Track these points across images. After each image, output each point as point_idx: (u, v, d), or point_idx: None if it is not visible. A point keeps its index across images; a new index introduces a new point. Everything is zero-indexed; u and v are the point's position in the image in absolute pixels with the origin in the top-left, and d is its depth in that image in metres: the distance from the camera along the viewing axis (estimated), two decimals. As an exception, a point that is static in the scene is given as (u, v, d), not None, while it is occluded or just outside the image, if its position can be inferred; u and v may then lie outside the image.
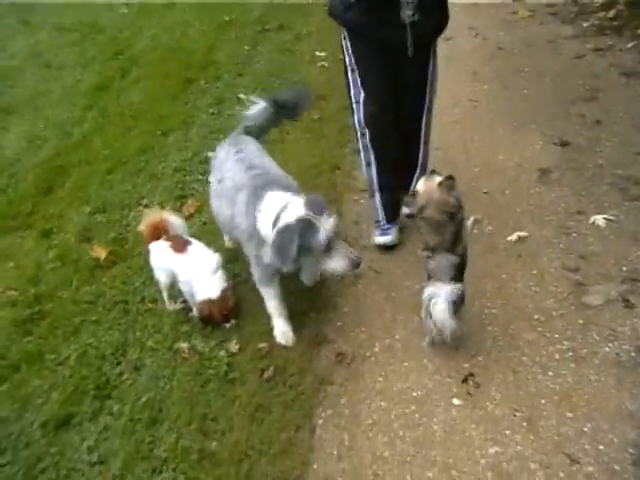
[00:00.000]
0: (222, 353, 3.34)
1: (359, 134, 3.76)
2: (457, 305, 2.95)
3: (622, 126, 4.83)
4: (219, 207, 3.50)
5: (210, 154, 5.11)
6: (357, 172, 4.65)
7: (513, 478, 2.56)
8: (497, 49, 6.59)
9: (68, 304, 3.82)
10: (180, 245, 3.57)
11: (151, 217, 3.69)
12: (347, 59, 3.60)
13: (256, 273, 3.37)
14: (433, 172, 3.07)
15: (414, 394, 2.99)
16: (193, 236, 4.00)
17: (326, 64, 6.86)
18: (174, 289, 3.64)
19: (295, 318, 3.46)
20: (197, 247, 3.61)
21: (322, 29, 7.88)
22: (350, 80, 3.64)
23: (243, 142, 3.60)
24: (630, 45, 6.17)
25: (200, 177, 4.95)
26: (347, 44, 3.56)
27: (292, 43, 7.77)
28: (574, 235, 3.82)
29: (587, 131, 4.81)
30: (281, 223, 2.96)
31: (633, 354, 3.02)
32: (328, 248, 2.96)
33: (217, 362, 3.30)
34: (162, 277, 3.59)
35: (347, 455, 2.77)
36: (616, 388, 2.87)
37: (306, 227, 2.91)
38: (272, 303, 3.38)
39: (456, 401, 2.92)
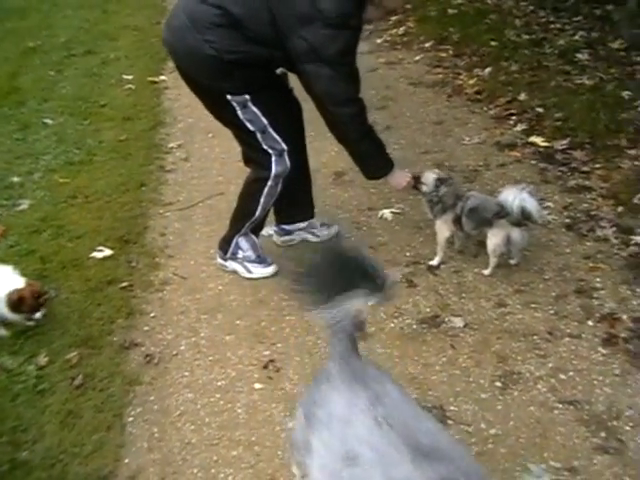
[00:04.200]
0: (31, 367, 3.39)
1: (270, 183, 3.59)
2: None
3: (409, 130, 5.34)
4: None
5: (16, 179, 5.15)
6: (163, 187, 4.94)
7: (309, 446, 2.83)
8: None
9: None
10: None
11: None
12: (253, 125, 3.41)
13: None
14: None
15: (219, 384, 3.20)
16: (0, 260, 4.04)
17: (133, 87, 7.03)
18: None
19: (104, 326, 3.59)
20: None
21: (129, 53, 8.04)
22: (261, 142, 3.47)
23: (373, 378, 1.99)
24: (418, 58, 6.80)
25: (5, 202, 4.93)
26: (252, 109, 3.36)
27: (99, 67, 7.86)
28: (364, 229, 4.24)
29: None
30: None
31: (415, 326, 3.41)
32: None
33: (26, 376, 3.34)
34: None
35: (157, 446, 2.93)
36: (400, 357, 3.23)
37: None
38: None
39: (258, 385, 3.16)
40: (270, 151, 3.50)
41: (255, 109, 3.36)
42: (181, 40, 3.31)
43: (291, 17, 3.13)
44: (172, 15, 3.42)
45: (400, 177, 3.70)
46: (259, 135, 3.45)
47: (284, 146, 3.49)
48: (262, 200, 3.64)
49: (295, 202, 4.02)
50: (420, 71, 6.49)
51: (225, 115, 3.50)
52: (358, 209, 4.42)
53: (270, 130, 3.44)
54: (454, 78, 6.33)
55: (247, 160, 3.74)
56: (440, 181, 3.71)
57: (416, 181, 3.76)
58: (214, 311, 3.67)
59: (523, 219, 3.50)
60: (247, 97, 3.32)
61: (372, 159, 3.61)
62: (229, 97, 3.33)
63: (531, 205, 3.47)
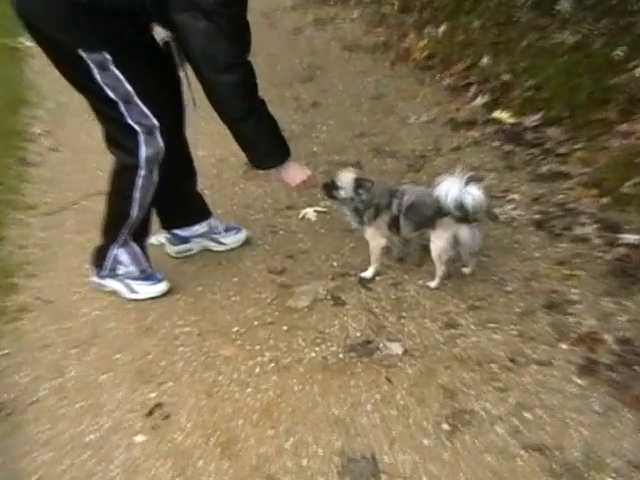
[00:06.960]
0: None
1: (143, 172, 3.57)
2: None
3: (340, 107, 5.40)
4: None
5: None
6: (24, 186, 4.88)
7: (203, 515, 2.84)
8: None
9: None
10: None
11: None
12: (114, 92, 3.36)
13: None
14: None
15: (89, 438, 3.16)
16: None
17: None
18: None
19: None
20: None
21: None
22: (125, 115, 3.42)
23: None
24: (355, 14, 6.84)
25: None
26: (114, 72, 3.30)
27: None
28: (282, 233, 4.29)
29: (302, 116, 5.33)
30: None
31: (341, 355, 3.44)
32: None
33: None
34: None
35: (6, 523, 2.91)
36: (322, 395, 3.25)
37: None
38: None
39: (139, 438, 3.14)
40: (137, 127, 3.46)
41: (117, 72, 3.32)
42: None
43: None
44: None
45: (296, 172, 3.68)
46: (122, 106, 3.40)
47: (155, 122, 3.47)
48: (136, 195, 3.60)
49: (180, 199, 4.03)
50: (357, 32, 6.55)
51: (78, 77, 3.41)
52: (274, 208, 4.47)
53: (137, 100, 3.41)
54: (399, 40, 6.42)
55: (109, 142, 3.66)
56: (358, 182, 3.68)
57: (330, 187, 3.76)
58: (87, 344, 3.65)
59: (465, 215, 3.52)
60: (107, 56, 3.27)
61: (260, 143, 3.57)
62: (82, 53, 3.24)
63: (469, 197, 3.46)
